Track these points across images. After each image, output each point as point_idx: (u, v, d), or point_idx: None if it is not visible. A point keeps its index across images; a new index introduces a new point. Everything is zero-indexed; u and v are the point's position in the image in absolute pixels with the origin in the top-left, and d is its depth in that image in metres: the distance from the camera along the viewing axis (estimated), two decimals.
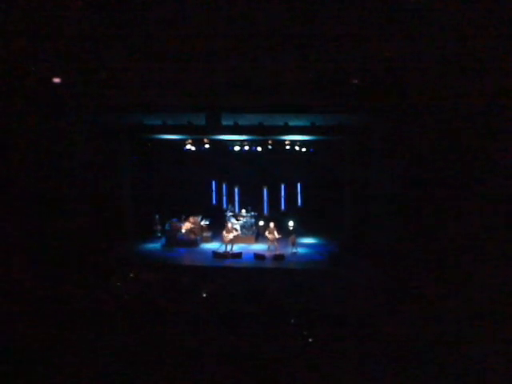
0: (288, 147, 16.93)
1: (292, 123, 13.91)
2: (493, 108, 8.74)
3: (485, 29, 7.38)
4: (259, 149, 17.23)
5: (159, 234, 17.09)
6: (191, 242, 16.09)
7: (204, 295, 10.76)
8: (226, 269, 13.12)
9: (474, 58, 8.35)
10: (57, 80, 10.18)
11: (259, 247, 15.80)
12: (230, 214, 17.72)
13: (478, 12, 6.93)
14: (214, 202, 20.70)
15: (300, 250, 15.15)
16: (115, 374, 5.82)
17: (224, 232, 15.10)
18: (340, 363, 6.17)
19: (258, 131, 14.48)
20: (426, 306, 8.53)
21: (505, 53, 7.87)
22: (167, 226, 16.51)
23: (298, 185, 19.92)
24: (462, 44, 8.02)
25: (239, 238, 16.04)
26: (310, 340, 7.13)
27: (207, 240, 16.85)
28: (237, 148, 17.16)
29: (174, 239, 16.10)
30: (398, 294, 9.69)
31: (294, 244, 15.00)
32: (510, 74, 8.06)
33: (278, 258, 14.01)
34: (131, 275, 11.50)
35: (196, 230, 16.53)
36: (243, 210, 17.75)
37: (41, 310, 8.34)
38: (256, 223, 17.47)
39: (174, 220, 16.74)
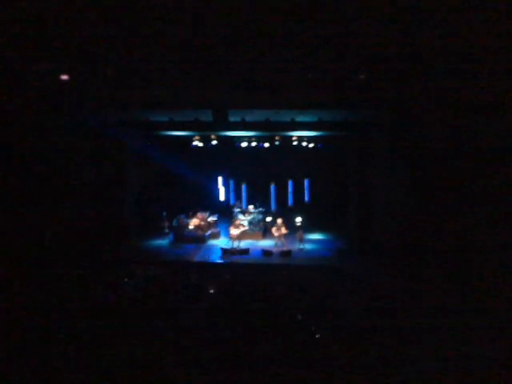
0: (295, 143, 16.88)
1: (299, 119, 13.87)
2: (498, 106, 8.69)
3: (489, 26, 7.32)
4: (266, 145, 17.21)
5: (167, 231, 17.12)
6: (199, 238, 16.13)
7: (211, 291, 10.80)
8: (233, 265, 13.14)
9: (479, 55, 8.28)
10: (62, 77, 10.22)
11: (266, 243, 15.81)
12: (238, 210, 17.73)
13: (481, 9, 6.87)
14: (221, 198, 20.72)
15: (307, 246, 15.15)
16: (120, 372, 5.85)
17: (231, 228, 15.14)
18: (346, 359, 6.17)
19: (265, 127, 14.46)
20: (432, 303, 8.50)
21: (508, 51, 7.82)
22: (175, 223, 16.57)
23: (306, 181, 19.88)
24: (467, 41, 7.96)
25: (247, 234, 16.05)
26: (317, 336, 7.14)
27: (215, 236, 16.89)
28: (244, 144, 17.15)
29: (182, 235, 16.15)
30: (404, 291, 9.67)
31: (302, 240, 14.99)
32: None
33: (286, 254, 14.02)
34: (138, 272, 11.56)
35: (203, 227, 16.56)
36: (250, 206, 17.74)
37: (47, 307, 8.41)
38: (263, 219, 17.46)
39: (182, 216, 16.78)
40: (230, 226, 15.43)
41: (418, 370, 5.85)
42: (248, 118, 13.86)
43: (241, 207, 18.24)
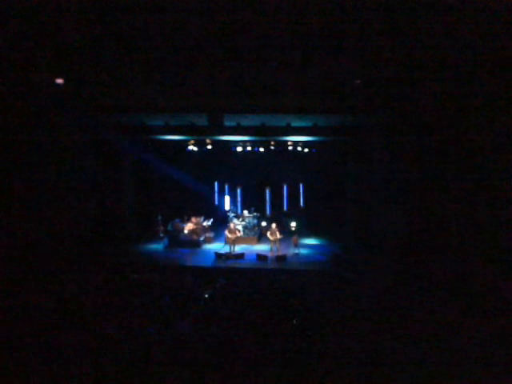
0: (290, 148, 16.93)
1: (294, 124, 13.91)
2: (490, 108, 8.78)
3: (483, 28, 7.41)
4: (261, 149, 17.24)
5: (162, 235, 17.09)
6: (194, 242, 16.09)
7: (206, 296, 10.77)
8: (228, 269, 13.11)
9: (474, 58, 8.37)
10: (59, 81, 10.22)
11: (261, 248, 15.79)
12: (233, 214, 17.72)
13: (476, 15, 6.96)
14: (216, 202, 20.71)
15: (302, 251, 15.15)
16: (115, 375, 5.82)
17: (226, 232, 15.11)
18: (342, 362, 6.17)
19: (261, 132, 14.49)
20: (429, 308, 8.53)
21: (502, 54, 7.91)
22: (170, 227, 16.52)
23: (301, 185, 19.92)
24: (461, 44, 8.04)
25: (242, 238, 16.03)
26: (313, 340, 7.13)
27: (210, 240, 16.86)
28: (239, 149, 17.17)
29: (177, 240, 16.10)
30: (400, 295, 9.69)
31: (297, 245, 14.99)
32: (506, 75, 8.10)
33: (281, 258, 14.01)
34: (134, 276, 11.52)
35: (198, 231, 16.53)
36: (245, 211, 17.74)
37: (45, 310, 8.38)
38: (258, 224, 17.46)
39: (177, 220, 16.76)
40: (225, 230, 15.40)
41: (417, 371, 5.87)
42: (243, 123, 13.89)
43: (236, 212, 18.24)
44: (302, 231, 16.68)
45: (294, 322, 8.18)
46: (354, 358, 6.26)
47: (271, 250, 15.10)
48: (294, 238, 15.10)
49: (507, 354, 6.23)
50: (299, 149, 17.00)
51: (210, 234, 17.11)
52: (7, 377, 5.74)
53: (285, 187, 20.08)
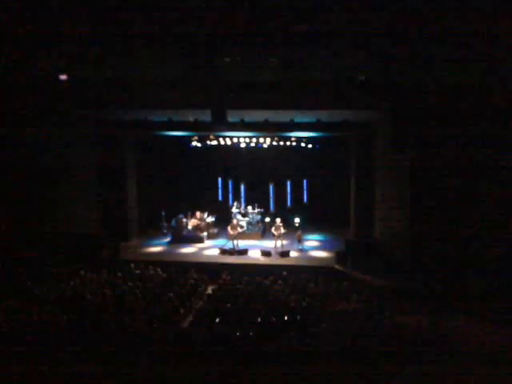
0: (294, 143, 16.89)
1: (298, 120, 13.87)
2: (492, 106, 8.75)
3: (487, 26, 7.37)
4: (265, 145, 17.20)
5: (165, 231, 17.12)
6: (197, 238, 16.11)
7: (210, 291, 10.81)
8: (231, 265, 13.11)
9: (479, 55, 8.33)
10: (62, 77, 10.23)
11: (265, 243, 15.78)
12: (236, 210, 17.70)
13: (479, 10, 6.92)
14: (220, 198, 20.68)
15: (306, 247, 15.14)
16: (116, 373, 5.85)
17: (230, 228, 15.09)
18: (344, 359, 6.18)
19: (264, 128, 14.45)
20: (431, 305, 8.53)
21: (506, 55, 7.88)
22: (173, 223, 16.53)
23: (304, 181, 19.86)
24: (465, 41, 8.00)
25: (245, 234, 16.03)
26: (315, 336, 7.14)
27: (213, 236, 16.86)
28: (243, 145, 17.13)
29: (180, 236, 16.13)
30: (402, 292, 9.70)
31: (300, 240, 14.99)
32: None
33: (284, 254, 14.01)
34: (137, 272, 11.55)
35: (202, 227, 16.54)
36: (249, 207, 17.72)
37: (47, 305, 8.42)
38: (262, 220, 17.44)
39: (180, 216, 16.75)
40: (228, 226, 15.39)
41: (417, 370, 5.87)
42: (247, 119, 13.85)
43: (239, 208, 18.21)
44: (306, 227, 16.64)
45: (298, 317, 8.20)
46: (356, 354, 6.26)
47: (275, 245, 15.10)
48: (298, 233, 15.10)
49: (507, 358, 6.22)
50: (303, 145, 16.96)
51: (214, 230, 17.11)
52: (7, 377, 5.77)
53: (288, 183, 20.03)
